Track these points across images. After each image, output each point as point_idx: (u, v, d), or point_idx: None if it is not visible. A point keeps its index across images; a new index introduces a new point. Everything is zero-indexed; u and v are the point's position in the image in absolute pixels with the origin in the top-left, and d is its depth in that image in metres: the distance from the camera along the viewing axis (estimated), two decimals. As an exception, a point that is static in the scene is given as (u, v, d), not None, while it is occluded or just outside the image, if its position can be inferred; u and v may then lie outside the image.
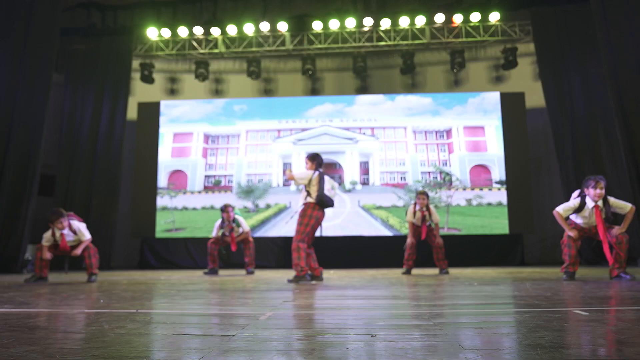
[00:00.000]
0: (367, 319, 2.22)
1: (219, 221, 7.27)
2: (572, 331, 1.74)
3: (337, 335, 1.78)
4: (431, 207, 6.70)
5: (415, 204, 6.66)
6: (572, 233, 4.73)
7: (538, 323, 1.91)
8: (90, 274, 5.42)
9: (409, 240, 6.71)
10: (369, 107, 10.39)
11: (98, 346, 1.64)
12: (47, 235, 5.45)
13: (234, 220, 7.22)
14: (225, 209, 7.18)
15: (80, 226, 5.55)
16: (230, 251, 8.65)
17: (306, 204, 5.01)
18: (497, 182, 9.73)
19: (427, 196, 6.67)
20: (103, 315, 2.44)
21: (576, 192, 4.90)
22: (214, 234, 7.29)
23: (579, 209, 4.71)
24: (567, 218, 4.86)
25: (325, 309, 2.73)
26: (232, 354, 1.49)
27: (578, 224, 4.80)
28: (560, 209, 4.81)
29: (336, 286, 4.36)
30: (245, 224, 7.34)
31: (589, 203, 4.65)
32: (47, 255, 5.39)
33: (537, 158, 10.20)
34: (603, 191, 4.59)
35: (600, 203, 4.62)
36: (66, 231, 5.43)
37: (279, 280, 5.45)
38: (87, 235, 5.52)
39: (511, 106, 10.03)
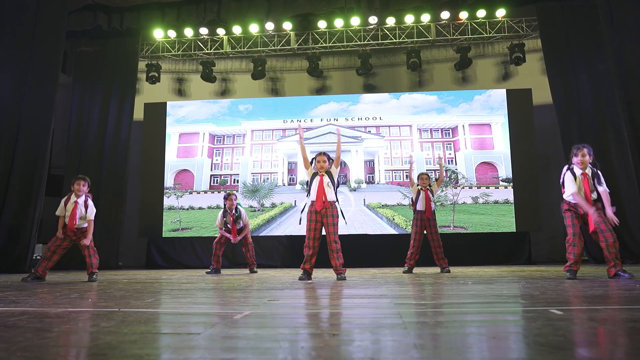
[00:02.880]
0: (339, 318, 2.23)
1: (222, 211, 7.37)
2: (533, 330, 1.72)
3: (299, 335, 1.79)
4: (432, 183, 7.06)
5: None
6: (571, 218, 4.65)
7: (506, 322, 1.90)
8: (91, 273, 5.50)
9: (413, 241, 6.76)
10: (374, 105, 10.36)
11: (62, 344, 1.67)
12: (62, 204, 5.52)
13: (236, 209, 7.29)
14: (228, 196, 7.32)
15: (91, 204, 5.61)
16: (235, 250, 8.75)
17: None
18: (503, 180, 9.64)
19: (428, 176, 7.02)
20: (84, 314, 2.48)
21: (565, 168, 4.84)
22: (217, 223, 7.37)
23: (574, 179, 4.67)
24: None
25: (305, 308, 2.75)
26: (187, 352, 1.51)
27: (572, 206, 4.68)
28: (569, 190, 4.69)
29: (330, 285, 4.37)
30: (246, 216, 7.42)
31: (577, 172, 4.64)
32: (60, 234, 5.45)
33: (545, 155, 10.09)
34: (586, 158, 4.58)
35: (588, 171, 4.60)
36: (81, 200, 5.50)
37: (278, 279, 5.47)
38: (91, 216, 5.58)
39: (518, 103, 9.93)
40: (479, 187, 9.65)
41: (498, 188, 9.63)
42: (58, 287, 4.45)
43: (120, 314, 2.44)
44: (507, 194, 9.57)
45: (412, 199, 7.08)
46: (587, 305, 2.51)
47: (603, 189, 4.62)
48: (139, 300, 3.24)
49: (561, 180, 4.84)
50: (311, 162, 5.42)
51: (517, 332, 1.72)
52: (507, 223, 9.45)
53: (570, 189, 4.68)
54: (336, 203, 5.32)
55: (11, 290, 4.15)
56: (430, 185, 6.91)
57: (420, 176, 6.99)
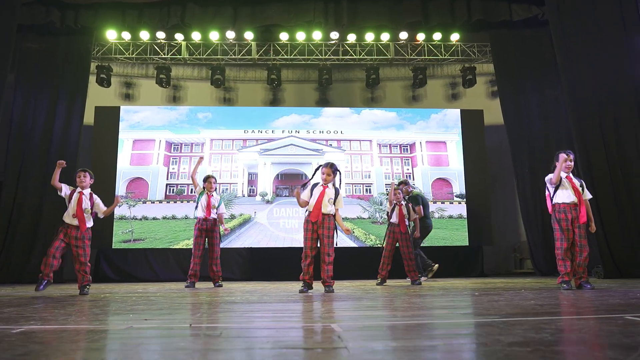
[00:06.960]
0: (434, 328, 2.25)
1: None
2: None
3: (452, 345, 1.80)
4: (410, 205, 7.15)
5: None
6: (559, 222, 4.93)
7: (607, 330, 2.02)
8: (83, 286, 5.22)
9: (385, 252, 6.93)
10: (335, 119, 10.50)
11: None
12: (69, 189, 5.38)
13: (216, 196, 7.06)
14: (207, 178, 7.11)
15: (97, 198, 5.51)
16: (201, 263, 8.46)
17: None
18: (457, 196, 10.11)
19: (402, 191, 7.20)
20: (175, 331, 2.32)
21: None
22: (198, 214, 6.98)
23: (559, 181, 4.95)
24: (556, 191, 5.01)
25: (386, 320, 2.74)
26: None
27: (562, 211, 4.96)
28: (551, 176, 5.00)
29: (345, 297, 4.36)
30: (223, 206, 7.19)
31: (563, 175, 4.95)
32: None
33: (495, 173, 10.71)
34: (572, 164, 4.94)
35: (571, 175, 4.95)
36: (86, 192, 5.39)
37: (272, 292, 5.39)
38: (103, 207, 5.52)
39: (471, 123, 10.47)
40: (434, 202, 10.03)
41: (452, 203, 10.08)
42: (64, 303, 4.07)
43: (205, 330, 2.31)
44: (460, 209, 10.03)
45: (387, 212, 7.27)
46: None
47: (589, 196, 5.03)
48: (183, 314, 3.06)
49: (547, 182, 5.13)
50: (315, 171, 5.33)
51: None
52: (460, 237, 9.90)
53: (552, 176, 4.96)
54: (332, 217, 5.31)
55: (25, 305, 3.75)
56: (406, 203, 7.10)
57: (395, 190, 7.16)
